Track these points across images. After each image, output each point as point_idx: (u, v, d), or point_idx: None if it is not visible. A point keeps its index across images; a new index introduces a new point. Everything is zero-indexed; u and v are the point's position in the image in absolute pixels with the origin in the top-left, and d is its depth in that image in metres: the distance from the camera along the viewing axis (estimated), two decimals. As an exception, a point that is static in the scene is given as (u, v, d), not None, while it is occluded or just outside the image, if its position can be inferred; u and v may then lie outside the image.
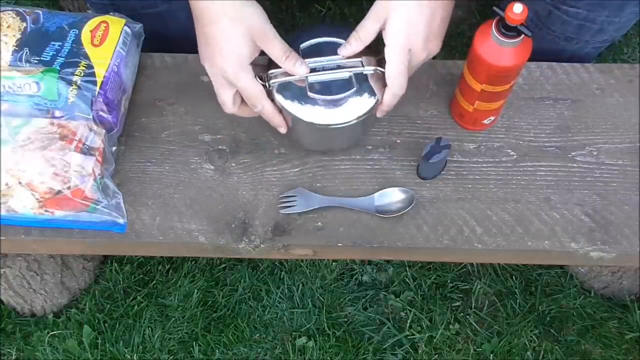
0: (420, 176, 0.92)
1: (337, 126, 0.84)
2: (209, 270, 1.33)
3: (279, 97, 0.83)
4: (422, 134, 0.95)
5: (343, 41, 0.83)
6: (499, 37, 0.78)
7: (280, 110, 0.85)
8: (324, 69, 0.83)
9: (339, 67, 0.83)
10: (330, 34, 0.85)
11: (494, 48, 0.80)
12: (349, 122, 0.84)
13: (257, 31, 0.80)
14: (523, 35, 0.78)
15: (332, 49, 0.84)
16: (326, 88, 0.83)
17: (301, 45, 0.84)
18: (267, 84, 0.83)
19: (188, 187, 0.92)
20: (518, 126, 0.96)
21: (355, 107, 0.83)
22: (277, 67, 0.82)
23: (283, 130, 0.87)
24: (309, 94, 0.82)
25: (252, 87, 0.82)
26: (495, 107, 0.90)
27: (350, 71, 0.83)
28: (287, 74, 0.82)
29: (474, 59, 0.83)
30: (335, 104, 0.83)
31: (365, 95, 0.83)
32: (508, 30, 0.77)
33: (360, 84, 0.83)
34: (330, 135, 0.88)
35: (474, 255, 0.94)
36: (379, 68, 0.83)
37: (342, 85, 0.83)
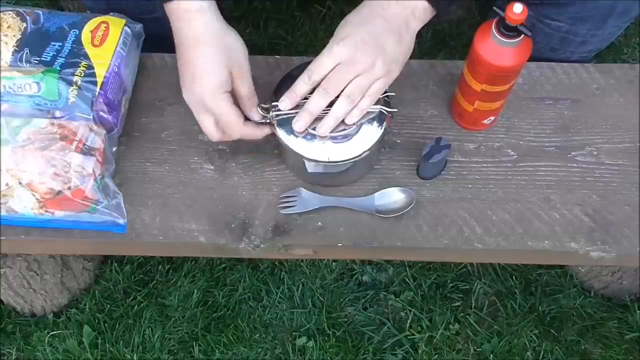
0: (420, 176, 0.92)
1: (334, 164, 0.84)
2: (209, 270, 1.33)
3: (279, 131, 0.83)
4: (422, 134, 0.95)
5: None
6: (499, 37, 0.78)
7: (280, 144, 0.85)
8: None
9: None
10: None
11: (494, 48, 0.80)
12: (345, 160, 0.83)
13: (236, 65, 0.81)
14: (523, 35, 0.78)
15: None
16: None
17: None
18: (269, 115, 0.83)
19: (188, 187, 0.92)
20: (518, 126, 0.96)
21: (354, 146, 0.83)
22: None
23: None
24: (310, 130, 0.82)
25: (228, 114, 0.82)
26: (495, 107, 0.90)
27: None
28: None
29: (474, 58, 0.83)
30: (335, 141, 0.82)
31: (366, 134, 0.83)
32: (508, 30, 0.77)
33: (363, 121, 0.83)
34: (328, 171, 0.87)
35: (474, 255, 0.94)
36: (383, 107, 0.83)
37: (344, 122, 0.82)
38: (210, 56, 0.79)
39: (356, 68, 0.78)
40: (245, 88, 0.82)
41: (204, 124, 0.83)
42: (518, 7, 0.75)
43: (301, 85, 0.80)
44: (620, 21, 0.97)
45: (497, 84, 0.84)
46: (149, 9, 0.99)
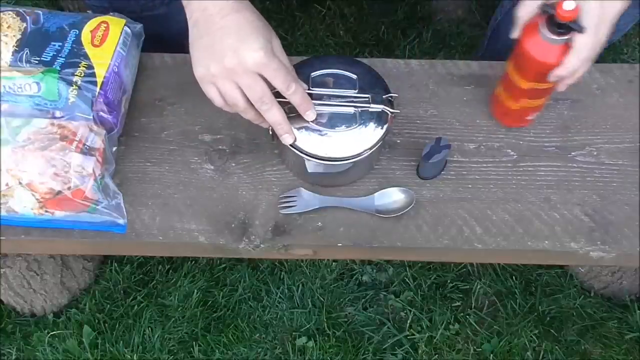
0: (420, 176, 0.92)
1: (334, 163, 0.84)
2: (209, 270, 1.33)
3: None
4: (422, 134, 0.95)
5: (354, 75, 0.84)
6: (549, 35, 0.78)
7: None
8: (330, 97, 0.83)
9: (346, 101, 0.83)
10: (342, 66, 0.85)
11: (544, 46, 0.80)
12: (346, 159, 0.83)
13: (273, 34, 0.80)
14: (571, 32, 0.78)
15: (342, 82, 0.84)
16: (329, 121, 0.82)
17: (312, 74, 0.84)
18: None
19: (188, 187, 0.92)
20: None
21: (355, 145, 0.83)
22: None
23: (290, 139, 0.83)
24: (312, 126, 0.82)
25: (286, 65, 0.78)
26: (541, 103, 0.90)
27: (357, 107, 0.83)
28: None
29: (521, 57, 0.82)
30: (333, 138, 0.82)
31: (367, 133, 0.83)
32: (559, 27, 0.77)
33: (364, 121, 0.83)
34: (328, 171, 0.87)
35: (474, 255, 0.94)
36: (385, 107, 0.83)
37: (345, 120, 0.82)
38: (255, 19, 0.78)
39: None
40: (284, 57, 0.80)
41: (255, 89, 0.78)
42: (569, 5, 0.75)
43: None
44: (634, 11, 0.97)
45: (545, 81, 0.84)
46: (149, 7, 0.99)
